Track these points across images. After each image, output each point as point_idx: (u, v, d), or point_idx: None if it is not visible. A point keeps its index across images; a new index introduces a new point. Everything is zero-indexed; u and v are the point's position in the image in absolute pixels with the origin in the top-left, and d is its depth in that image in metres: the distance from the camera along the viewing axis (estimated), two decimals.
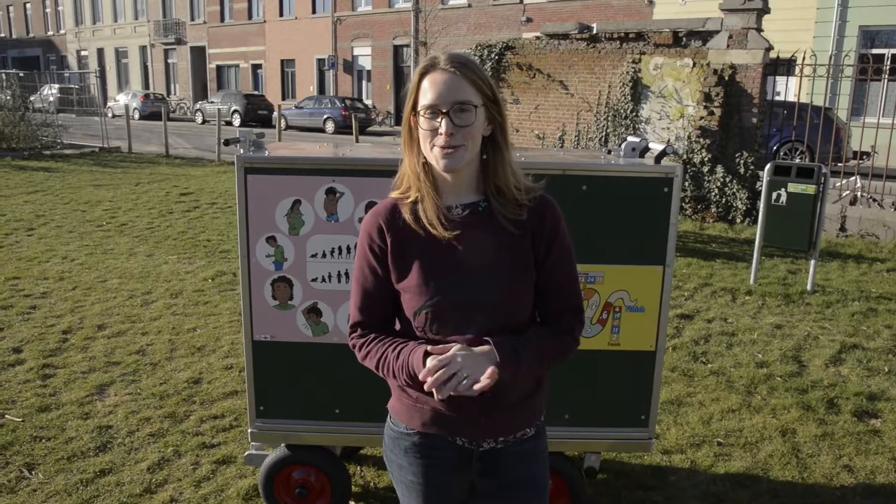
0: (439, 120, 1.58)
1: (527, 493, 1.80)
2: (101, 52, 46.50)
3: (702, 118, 10.21)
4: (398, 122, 25.79)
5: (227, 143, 2.90)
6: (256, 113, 29.75)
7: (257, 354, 2.89)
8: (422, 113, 1.60)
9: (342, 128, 25.57)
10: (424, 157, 1.66)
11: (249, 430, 3.01)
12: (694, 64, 10.29)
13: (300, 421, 2.96)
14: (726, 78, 10.04)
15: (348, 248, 2.76)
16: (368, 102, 31.17)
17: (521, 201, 1.68)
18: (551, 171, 2.70)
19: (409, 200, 1.69)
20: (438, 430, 1.73)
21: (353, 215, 2.74)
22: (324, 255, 2.78)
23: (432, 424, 1.73)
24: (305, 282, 2.81)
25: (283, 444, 3.06)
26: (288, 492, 3.09)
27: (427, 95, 1.59)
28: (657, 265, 2.79)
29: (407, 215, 1.68)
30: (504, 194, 1.68)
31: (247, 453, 3.23)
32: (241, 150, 2.78)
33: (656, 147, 2.82)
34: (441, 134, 1.58)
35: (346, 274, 2.78)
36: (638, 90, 10.85)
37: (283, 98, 35.31)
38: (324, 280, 2.80)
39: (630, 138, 2.98)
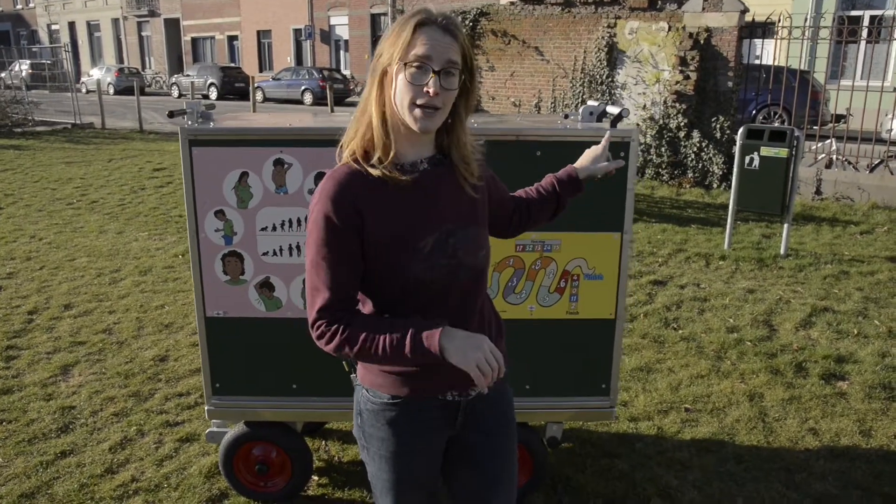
0: (429, 78, 1.52)
1: (502, 437, 1.83)
2: (72, 25, 45.46)
3: (677, 83, 10.13)
4: None
5: (171, 114, 2.80)
6: (233, 86, 29.20)
7: (211, 331, 2.83)
8: (412, 63, 1.51)
9: (320, 99, 25.21)
10: (384, 109, 1.58)
11: (206, 408, 2.96)
12: (669, 28, 10.17)
13: (257, 397, 2.91)
14: (702, 41, 9.94)
15: (298, 221, 2.69)
16: (347, 73, 30.77)
17: (474, 167, 1.72)
18: (505, 138, 2.64)
19: (373, 155, 1.60)
20: (430, 392, 1.71)
21: (302, 186, 2.66)
22: (274, 229, 2.70)
23: (423, 388, 1.69)
24: (256, 256, 2.74)
25: (242, 421, 3.02)
26: (248, 468, 3.05)
27: (423, 48, 1.51)
28: (615, 232, 2.74)
29: (374, 172, 1.58)
30: (463, 158, 1.69)
31: (208, 431, 3.19)
32: (189, 122, 2.69)
33: (613, 110, 2.76)
34: (427, 92, 1.52)
35: (298, 247, 2.71)
36: (613, 55, 10.73)
37: (261, 70, 34.76)
38: (275, 254, 2.73)
39: (589, 102, 2.91)
